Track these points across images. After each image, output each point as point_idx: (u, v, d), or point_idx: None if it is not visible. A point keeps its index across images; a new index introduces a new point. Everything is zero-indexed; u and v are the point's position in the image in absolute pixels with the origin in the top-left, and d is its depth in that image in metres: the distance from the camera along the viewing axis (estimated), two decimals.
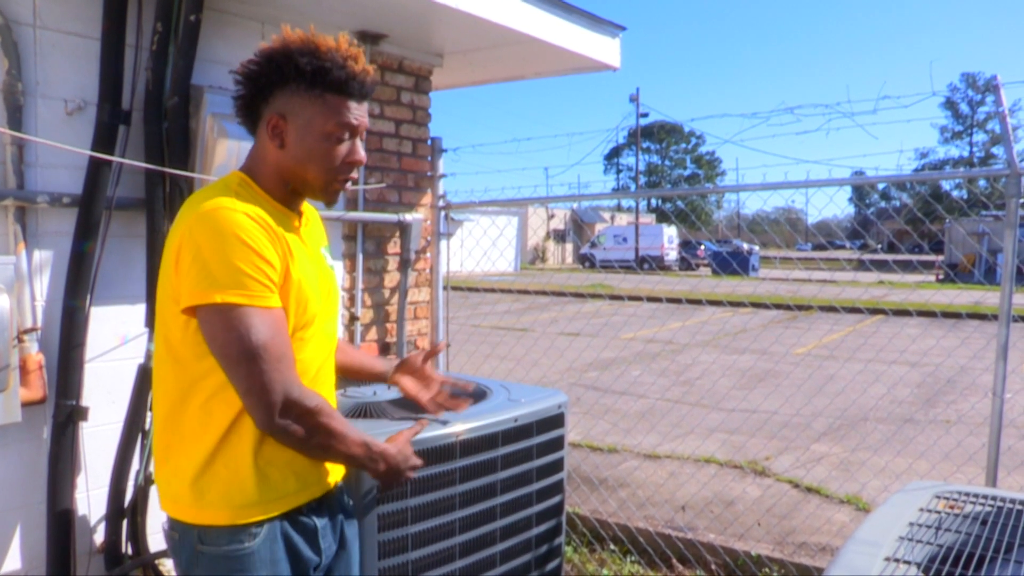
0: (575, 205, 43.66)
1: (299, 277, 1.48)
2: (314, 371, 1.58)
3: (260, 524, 1.48)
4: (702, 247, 37.56)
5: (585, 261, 38.73)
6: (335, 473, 1.66)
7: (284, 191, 1.53)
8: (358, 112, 1.50)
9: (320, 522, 1.59)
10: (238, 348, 1.36)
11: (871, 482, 4.70)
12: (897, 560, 1.45)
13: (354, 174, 1.56)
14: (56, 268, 2.61)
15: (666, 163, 70.88)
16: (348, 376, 1.98)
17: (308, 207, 1.69)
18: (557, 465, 2.56)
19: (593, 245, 39.34)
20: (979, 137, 58.78)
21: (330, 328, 1.65)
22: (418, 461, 1.69)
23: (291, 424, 1.41)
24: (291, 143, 1.48)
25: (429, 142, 4.03)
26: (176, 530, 1.51)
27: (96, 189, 2.59)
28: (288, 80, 1.46)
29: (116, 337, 2.78)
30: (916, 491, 1.84)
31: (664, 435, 5.85)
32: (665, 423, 6.32)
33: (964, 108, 58.67)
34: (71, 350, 2.56)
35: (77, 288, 2.57)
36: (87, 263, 2.59)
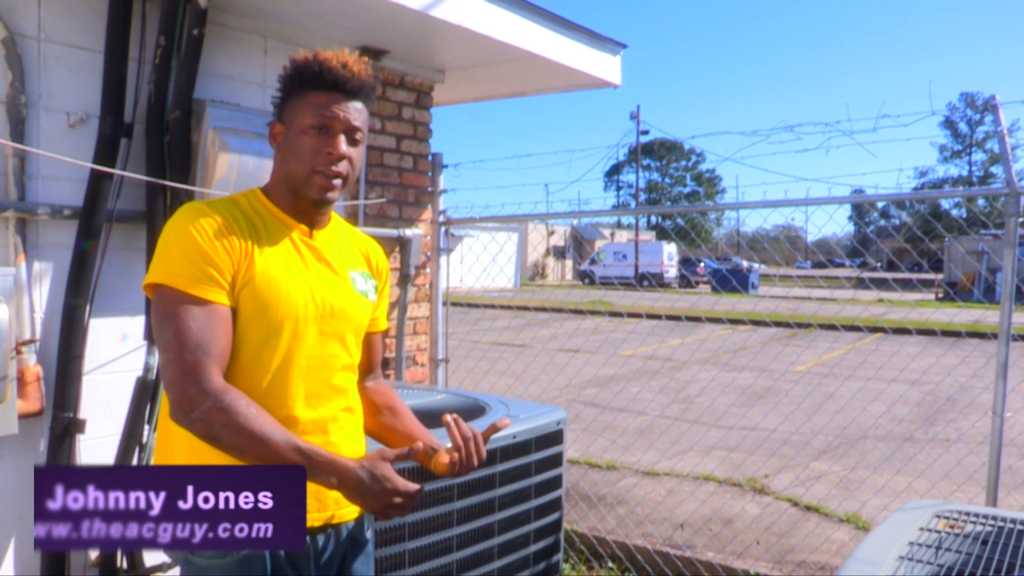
0: (575, 222, 43.67)
1: (265, 281, 1.47)
2: (287, 384, 1.50)
3: None
4: (702, 264, 37.59)
5: (585, 278, 38.71)
6: (342, 506, 1.57)
7: (290, 198, 1.57)
8: (338, 108, 1.51)
9: (315, 547, 1.54)
10: (164, 333, 1.39)
11: (871, 501, 4.67)
12: None
13: (337, 168, 1.52)
14: (56, 280, 2.60)
15: (666, 180, 71.03)
16: (390, 443, 1.73)
17: (347, 230, 1.74)
18: (555, 482, 2.55)
19: (593, 262, 39.36)
20: (978, 157, 58.95)
21: (330, 348, 1.58)
22: (411, 486, 1.43)
23: (200, 420, 1.34)
24: (283, 145, 1.56)
25: (430, 157, 4.05)
26: None
27: (97, 201, 2.60)
28: (290, 91, 1.55)
29: (116, 337, 2.77)
30: (916, 510, 1.83)
31: (663, 452, 5.83)
32: (664, 440, 6.29)
33: (963, 127, 58.93)
34: (69, 362, 2.55)
35: (77, 292, 2.57)
36: (87, 270, 2.59)
